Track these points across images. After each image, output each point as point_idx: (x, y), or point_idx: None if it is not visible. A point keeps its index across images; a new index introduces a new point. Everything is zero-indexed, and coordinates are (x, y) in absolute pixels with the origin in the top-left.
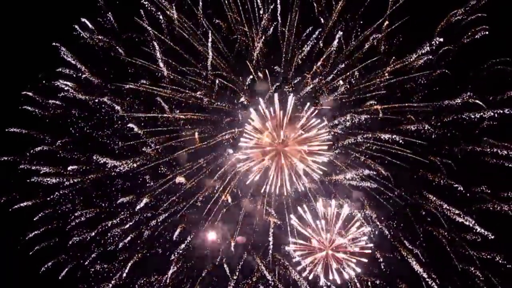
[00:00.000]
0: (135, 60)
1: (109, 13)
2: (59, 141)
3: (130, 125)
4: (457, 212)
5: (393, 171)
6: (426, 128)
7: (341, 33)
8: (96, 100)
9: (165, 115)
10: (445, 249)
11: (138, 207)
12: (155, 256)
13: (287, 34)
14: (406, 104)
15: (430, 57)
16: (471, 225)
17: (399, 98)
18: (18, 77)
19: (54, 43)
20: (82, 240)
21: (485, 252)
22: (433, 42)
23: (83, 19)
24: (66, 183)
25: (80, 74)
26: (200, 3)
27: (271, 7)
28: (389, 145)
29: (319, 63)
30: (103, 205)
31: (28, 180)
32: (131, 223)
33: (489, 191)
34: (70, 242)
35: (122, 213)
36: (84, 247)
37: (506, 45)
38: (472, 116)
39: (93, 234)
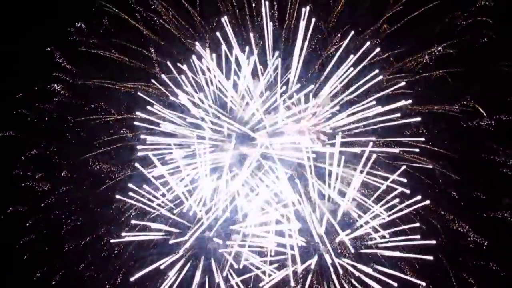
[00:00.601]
0: (131, 63)
1: (105, 17)
2: (54, 146)
3: (126, 129)
4: (451, 217)
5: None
6: (422, 131)
7: (339, 35)
8: (92, 106)
9: (162, 117)
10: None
11: (134, 213)
12: (150, 262)
13: (284, 37)
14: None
15: (429, 61)
16: (465, 231)
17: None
18: (13, 80)
19: (48, 48)
20: (77, 245)
21: (480, 259)
22: (433, 49)
23: (78, 24)
24: (62, 188)
25: (76, 79)
26: (198, 7)
27: (270, 13)
28: (385, 149)
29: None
30: (98, 210)
31: (23, 184)
32: (127, 228)
33: (484, 197)
34: (66, 247)
35: (118, 217)
36: (79, 252)
37: (507, 49)
38: (470, 124)
39: (88, 239)
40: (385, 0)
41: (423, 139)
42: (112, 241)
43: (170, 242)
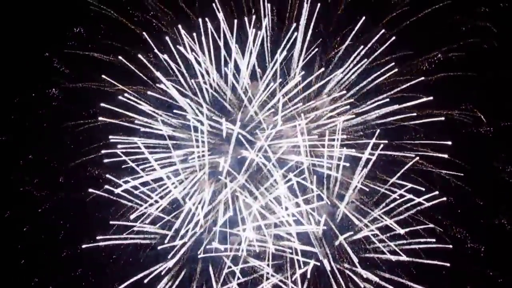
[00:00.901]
0: (129, 67)
1: (104, 21)
2: (52, 150)
3: (122, 133)
4: (449, 223)
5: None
6: (420, 135)
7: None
8: (91, 111)
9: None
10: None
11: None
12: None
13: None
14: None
15: (428, 67)
16: (462, 236)
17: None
18: (11, 85)
19: (46, 54)
20: (74, 251)
21: (477, 265)
22: (433, 54)
23: (76, 29)
24: (61, 193)
25: (74, 83)
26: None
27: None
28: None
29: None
30: (97, 214)
31: (21, 189)
32: (127, 232)
33: (481, 203)
34: (64, 253)
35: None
36: (76, 258)
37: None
38: (469, 129)
39: (85, 246)
40: (385, 4)
41: (449, 143)
42: (83, 246)
43: (159, 248)
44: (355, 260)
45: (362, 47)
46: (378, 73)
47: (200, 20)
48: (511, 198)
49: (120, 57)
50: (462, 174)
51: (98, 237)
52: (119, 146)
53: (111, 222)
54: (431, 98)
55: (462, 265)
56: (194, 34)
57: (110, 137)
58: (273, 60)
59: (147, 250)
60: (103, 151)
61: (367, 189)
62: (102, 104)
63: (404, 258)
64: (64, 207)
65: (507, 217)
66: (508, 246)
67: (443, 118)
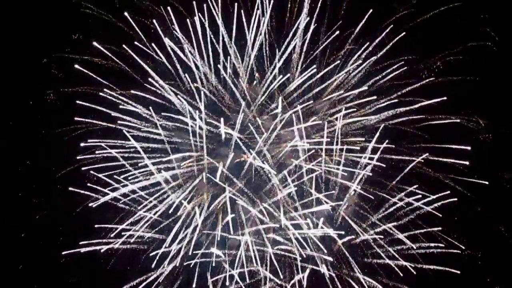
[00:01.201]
0: (127, 72)
1: (101, 29)
2: (50, 157)
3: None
4: (446, 229)
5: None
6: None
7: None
8: (89, 116)
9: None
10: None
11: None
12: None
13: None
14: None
15: (426, 73)
16: (460, 242)
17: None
18: (8, 91)
19: (44, 60)
20: (72, 257)
21: (475, 271)
22: (433, 59)
23: (74, 35)
24: (59, 200)
25: (73, 89)
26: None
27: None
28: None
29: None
30: (96, 220)
31: (19, 194)
32: (126, 235)
33: (479, 209)
34: (62, 260)
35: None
36: (75, 264)
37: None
38: (469, 134)
39: (83, 251)
40: (386, 8)
41: (469, 148)
42: (63, 252)
43: (157, 252)
44: (354, 265)
45: (367, 43)
46: (380, 76)
47: (198, 21)
48: (509, 204)
49: (118, 61)
50: (487, 183)
51: (81, 243)
52: (115, 150)
53: (96, 226)
54: (444, 98)
55: (460, 270)
56: (193, 36)
57: (84, 144)
58: (272, 64)
59: (145, 255)
60: (100, 155)
61: (372, 197)
62: (79, 102)
63: (403, 262)
64: (63, 212)
65: (505, 224)
66: (505, 252)
67: (458, 120)
